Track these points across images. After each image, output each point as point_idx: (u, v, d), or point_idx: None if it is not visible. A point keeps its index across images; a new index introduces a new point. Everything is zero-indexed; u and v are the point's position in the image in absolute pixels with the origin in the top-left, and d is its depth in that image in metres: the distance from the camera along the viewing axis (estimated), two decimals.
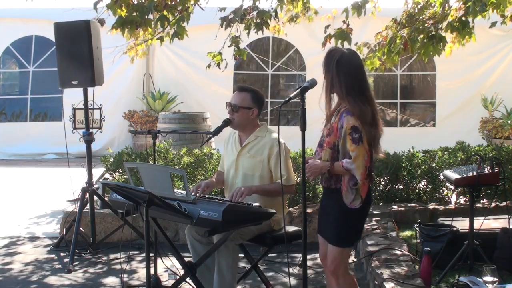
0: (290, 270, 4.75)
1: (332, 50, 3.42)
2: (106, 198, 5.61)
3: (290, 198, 6.06)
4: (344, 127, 3.19)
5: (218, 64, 6.76)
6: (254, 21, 6.25)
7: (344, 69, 3.27)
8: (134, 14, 5.48)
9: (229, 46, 6.64)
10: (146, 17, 5.52)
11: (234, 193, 3.81)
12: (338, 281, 3.36)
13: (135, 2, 5.62)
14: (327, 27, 6.12)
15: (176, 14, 5.70)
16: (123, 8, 5.57)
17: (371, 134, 3.23)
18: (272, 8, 6.40)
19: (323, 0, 7.23)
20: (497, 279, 3.20)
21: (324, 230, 3.42)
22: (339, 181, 3.28)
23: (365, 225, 5.32)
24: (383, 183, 6.34)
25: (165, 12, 5.60)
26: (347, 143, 3.19)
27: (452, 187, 6.12)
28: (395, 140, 7.43)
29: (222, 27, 6.25)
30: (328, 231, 3.35)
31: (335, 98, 3.38)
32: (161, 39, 6.27)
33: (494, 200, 5.84)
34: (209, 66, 6.76)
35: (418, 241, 4.68)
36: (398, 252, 4.49)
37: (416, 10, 6.10)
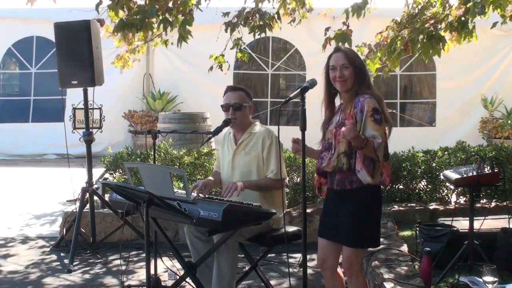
0: (290, 270, 4.76)
1: (345, 48, 3.49)
2: (106, 198, 5.61)
3: (290, 198, 6.07)
4: (365, 110, 3.17)
5: (221, 66, 6.76)
6: (257, 23, 6.25)
7: (364, 65, 3.40)
8: (136, 17, 5.47)
9: (231, 48, 6.64)
10: (147, 20, 5.52)
11: (226, 190, 3.80)
12: (351, 279, 3.35)
13: (137, 4, 5.62)
14: (327, 29, 6.12)
15: (179, 16, 5.70)
16: (125, 10, 5.57)
17: (390, 122, 3.26)
18: (273, 7, 6.41)
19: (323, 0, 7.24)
20: (497, 279, 3.20)
21: (334, 234, 3.36)
22: (354, 182, 3.25)
23: None
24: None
25: (167, 15, 5.61)
26: (369, 125, 3.15)
27: (452, 187, 6.12)
28: (395, 140, 7.39)
29: (226, 32, 6.26)
30: (343, 233, 3.30)
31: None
32: (165, 43, 6.27)
33: (494, 200, 5.84)
34: (211, 68, 6.76)
35: (418, 241, 4.68)
36: (398, 252, 4.49)
37: (417, 11, 6.09)
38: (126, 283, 4.69)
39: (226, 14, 6.32)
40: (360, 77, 3.30)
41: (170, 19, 5.64)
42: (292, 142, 3.37)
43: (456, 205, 5.83)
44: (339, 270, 3.49)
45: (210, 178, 4.25)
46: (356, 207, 3.26)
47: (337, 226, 3.33)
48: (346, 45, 5.69)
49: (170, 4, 5.64)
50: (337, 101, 3.48)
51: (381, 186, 3.38)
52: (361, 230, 3.28)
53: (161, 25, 5.61)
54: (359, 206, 3.26)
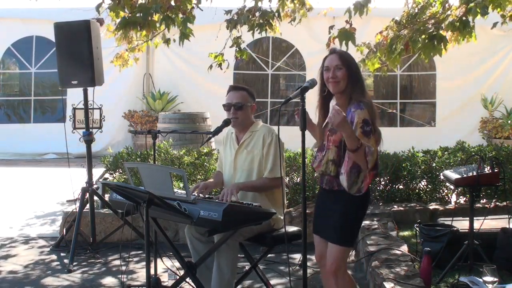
0: (290, 270, 4.75)
1: (341, 50, 3.47)
2: (106, 198, 5.61)
3: (290, 198, 6.06)
4: (355, 121, 3.15)
5: (220, 65, 6.75)
6: (257, 21, 6.25)
7: (358, 68, 3.38)
8: (138, 15, 5.48)
9: (230, 47, 6.64)
10: (150, 18, 5.52)
11: (224, 196, 3.80)
12: (337, 280, 3.36)
13: (137, 4, 5.62)
14: (331, 27, 6.12)
15: (180, 16, 5.70)
16: (126, 10, 5.57)
17: (378, 131, 3.23)
18: (271, 7, 6.41)
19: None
20: (497, 279, 3.19)
21: (324, 231, 3.41)
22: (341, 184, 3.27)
23: (365, 225, 5.34)
24: (383, 183, 6.34)
25: (169, 13, 5.61)
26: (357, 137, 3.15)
27: (452, 187, 6.12)
28: (395, 140, 7.43)
29: (228, 29, 6.25)
30: (331, 232, 3.34)
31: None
32: (167, 41, 6.26)
33: (494, 200, 5.84)
34: (210, 67, 6.76)
35: (418, 241, 4.68)
36: (398, 252, 4.49)
37: (417, 10, 6.09)
38: (126, 283, 4.69)
39: (228, 12, 6.33)
40: (353, 79, 3.28)
41: (172, 17, 5.63)
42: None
43: (456, 205, 5.83)
44: None
45: (211, 179, 4.25)
46: (347, 208, 3.29)
47: (328, 224, 3.36)
48: (350, 43, 5.68)
49: (172, 2, 5.64)
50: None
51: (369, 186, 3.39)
52: (351, 229, 3.34)
53: (163, 23, 5.61)
54: (349, 207, 3.29)
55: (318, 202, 3.53)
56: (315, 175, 6.04)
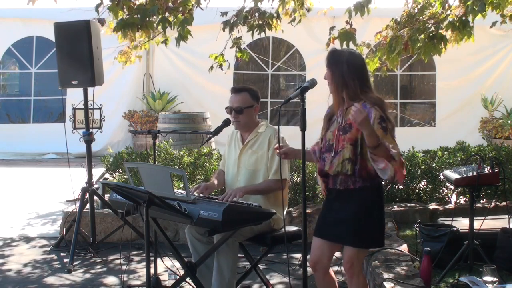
0: (290, 270, 4.75)
1: (337, 49, 3.46)
2: (106, 198, 5.61)
3: (290, 198, 6.06)
4: (372, 118, 3.15)
5: (221, 66, 6.75)
6: (256, 22, 6.25)
7: (356, 65, 3.30)
8: (136, 16, 5.48)
9: (231, 48, 6.64)
10: (148, 19, 5.53)
11: (226, 196, 3.79)
12: (352, 279, 3.34)
13: (137, 4, 5.62)
14: (331, 28, 6.11)
15: (179, 16, 5.70)
16: (125, 10, 5.57)
17: (393, 124, 3.25)
18: (272, 7, 6.40)
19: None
20: (497, 279, 3.19)
21: (336, 234, 3.33)
22: (357, 181, 3.25)
23: None
24: (382, 183, 6.32)
25: (166, 14, 5.61)
26: (377, 132, 3.14)
27: (452, 187, 6.12)
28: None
29: (224, 31, 6.25)
30: (346, 233, 3.27)
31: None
32: (165, 42, 6.26)
33: (494, 200, 5.84)
34: (211, 68, 6.75)
35: (418, 241, 4.68)
36: (398, 252, 4.49)
37: (417, 10, 6.09)
38: (126, 283, 4.69)
39: (224, 13, 6.33)
40: (339, 79, 3.24)
41: (170, 19, 5.63)
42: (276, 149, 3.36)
43: (456, 205, 5.82)
44: (331, 271, 3.47)
45: (214, 181, 4.22)
46: (361, 207, 3.26)
47: (340, 226, 3.30)
48: (351, 44, 5.67)
49: (170, 4, 5.65)
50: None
51: (382, 187, 3.39)
52: (366, 229, 3.27)
53: (160, 24, 5.61)
54: (363, 206, 3.26)
55: (329, 206, 3.41)
56: (315, 175, 6.04)
